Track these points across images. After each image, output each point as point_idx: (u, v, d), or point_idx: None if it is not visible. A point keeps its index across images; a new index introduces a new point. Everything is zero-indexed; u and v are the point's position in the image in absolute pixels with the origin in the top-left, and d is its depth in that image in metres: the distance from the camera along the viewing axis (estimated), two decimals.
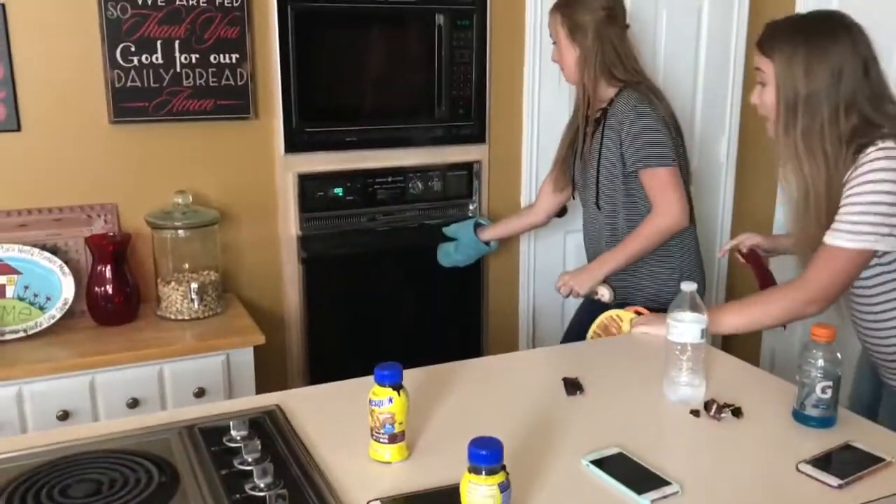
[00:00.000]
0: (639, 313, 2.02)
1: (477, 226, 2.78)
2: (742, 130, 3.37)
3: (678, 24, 3.14)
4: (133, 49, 2.43)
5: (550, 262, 3.14)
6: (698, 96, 3.27)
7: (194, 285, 2.41)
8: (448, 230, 2.82)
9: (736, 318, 1.81)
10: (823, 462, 1.35)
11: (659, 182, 2.21)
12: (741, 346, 3.12)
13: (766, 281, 2.07)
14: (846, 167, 1.63)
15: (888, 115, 1.64)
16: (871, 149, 1.60)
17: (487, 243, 2.78)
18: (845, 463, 1.35)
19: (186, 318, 2.42)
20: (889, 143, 1.59)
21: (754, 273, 2.11)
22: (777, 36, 1.70)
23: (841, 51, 1.63)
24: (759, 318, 1.80)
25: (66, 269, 2.35)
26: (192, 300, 2.42)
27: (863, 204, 1.59)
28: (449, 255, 2.80)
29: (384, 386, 1.34)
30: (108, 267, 2.36)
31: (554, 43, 2.35)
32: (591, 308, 2.32)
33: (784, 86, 1.67)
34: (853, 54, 1.63)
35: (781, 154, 1.72)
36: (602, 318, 2.07)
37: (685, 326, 1.58)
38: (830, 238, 1.64)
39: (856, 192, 1.60)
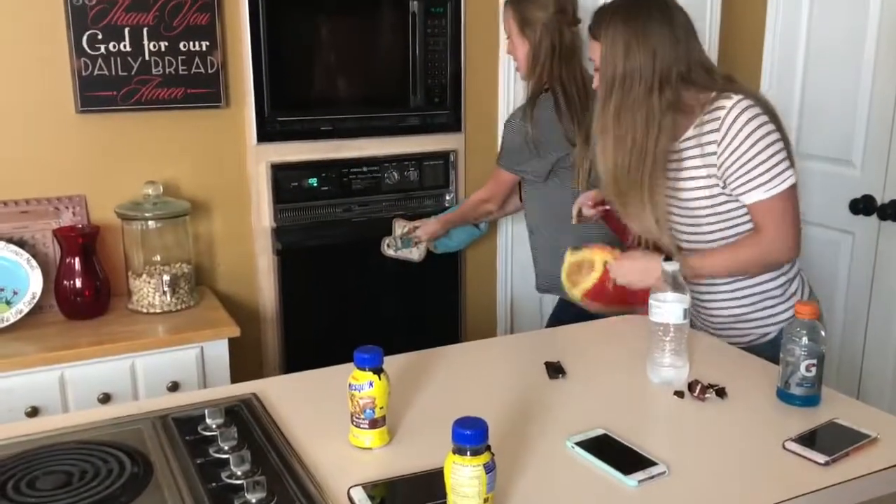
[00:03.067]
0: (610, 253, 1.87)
1: None
2: None
3: None
4: (100, 37, 2.36)
5: (528, 253, 3.11)
6: None
7: (166, 277, 2.36)
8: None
9: (710, 261, 1.78)
10: (809, 440, 1.33)
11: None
12: None
13: (626, 231, 2.03)
14: (670, 132, 1.69)
15: (707, 81, 1.72)
16: (723, 103, 1.67)
17: (478, 226, 2.78)
18: (831, 440, 1.34)
19: (158, 311, 2.37)
20: (734, 97, 1.67)
21: (612, 227, 2.09)
22: (600, 20, 1.75)
23: (656, 29, 1.68)
24: (733, 261, 1.76)
25: (34, 262, 2.29)
26: (165, 293, 2.36)
27: (761, 152, 1.65)
28: (442, 242, 2.77)
29: (364, 370, 1.31)
30: (77, 260, 2.30)
31: (508, 37, 2.38)
32: (567, 307, 2.28)
33: (605, 66, 1.72)
34: (669, 32, 1.68)
35: (598, 129, 1.76)
36: (570, 262, 1.92)
37: (668, 307, 1.56)
38: (756, 195, 1.68)
39: (747, 148, 1.66)
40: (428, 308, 2.98)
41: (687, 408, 1.49)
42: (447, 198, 2.94)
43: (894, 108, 2.56)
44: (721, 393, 1.52)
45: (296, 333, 2.75)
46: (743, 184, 1.68)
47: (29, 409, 2.08)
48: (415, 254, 2.68)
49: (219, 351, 2.29)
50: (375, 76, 2.79)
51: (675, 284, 1.56)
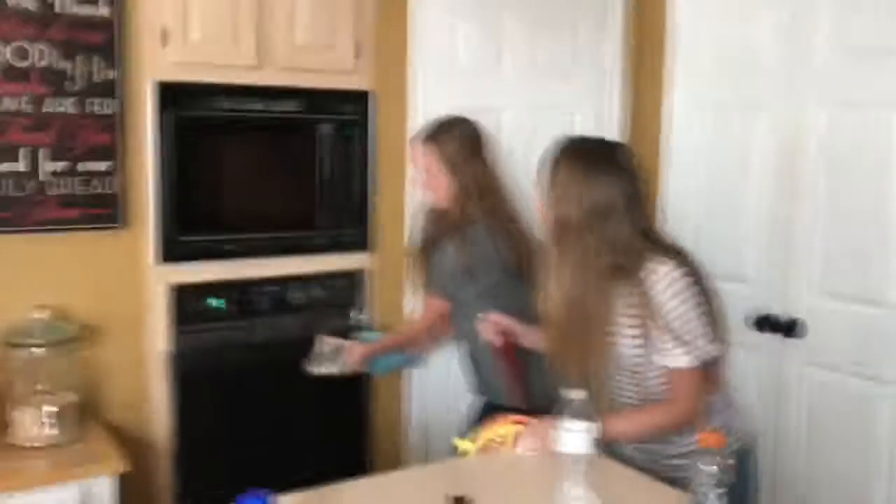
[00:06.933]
0: (519, 423, 1.89)
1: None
2: None
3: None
4: None
5: (440, 371, 3.06)
6: None
7: (49, 408, 2.21)
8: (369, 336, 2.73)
9: (624, 425, 1.78)
10: None
11: None
12: None
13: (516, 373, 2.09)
14: (608, 293, 1.73)
15: (646, 247, 1.74)
16: (654, 268, 1.70)
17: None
18: None
19: (40, 445, 2.21)
20: (668, 266, 1.70)
21: (505, 361, 2.15)
22: (554, 159, 1.79)
23: (612, 186, 1.73)
24: (645, 426, 1.79)
25: None
26: (48, 425, 2.21)
27: (687, 322, 1.69)
28: (379, 363, 2.63)
29: None
30: None
31: (426, 173, 2.35)
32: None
33: (551, 206, 1.76)
34: (621, 193, 1.73)
35: (548, 265, 1.80)
36: (479, 444, 1.90)
37: (575, 437, 1.52)
38: (676, 362, 1.71)
39: (674, 316, 1.69)
40: (334, 434, 2.87)
41: None
42: (357, 316, 2.89)
43: (784, 226, 2.67)
44: None
45: (192, 466, 2.59)
46: (662, 347, 1.71)
47: None
48: (335, 368, 2.56)
49: (105, 489, 2.14)
50: (283, 196, 2.78)
51: (582, 413, 1.53)
